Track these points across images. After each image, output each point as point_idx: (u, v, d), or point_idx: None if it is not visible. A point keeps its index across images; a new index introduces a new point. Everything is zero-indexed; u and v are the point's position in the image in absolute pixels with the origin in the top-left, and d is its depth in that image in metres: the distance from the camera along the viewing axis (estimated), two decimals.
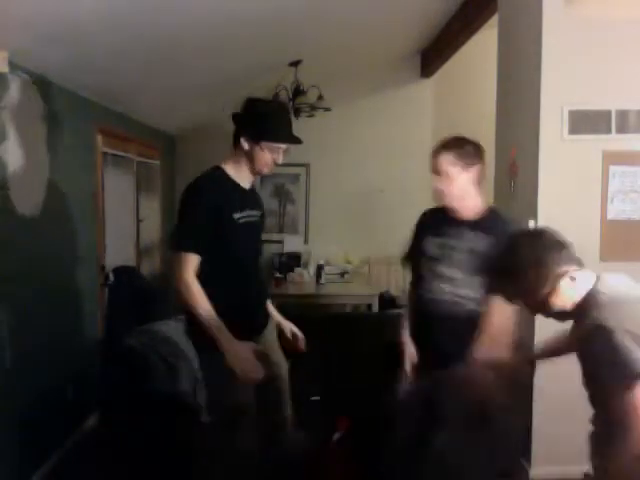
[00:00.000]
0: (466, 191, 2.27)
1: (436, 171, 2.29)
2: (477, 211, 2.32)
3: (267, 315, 2.54)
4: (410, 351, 2.44)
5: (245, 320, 2.31)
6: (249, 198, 2.38)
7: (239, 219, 2.28)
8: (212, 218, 2.19)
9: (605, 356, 1.56)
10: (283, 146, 2.32)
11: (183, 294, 2.17)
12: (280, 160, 2.32)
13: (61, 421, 3.27)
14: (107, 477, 3.07)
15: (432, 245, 2.37)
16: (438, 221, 2.41)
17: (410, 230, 2.55)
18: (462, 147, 2.28)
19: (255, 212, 2.41)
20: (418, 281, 2.43)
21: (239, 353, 2.16)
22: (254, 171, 2.33)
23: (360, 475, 2.93)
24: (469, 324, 2.22)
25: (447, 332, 2.27)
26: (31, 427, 2.93)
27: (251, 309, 2.41)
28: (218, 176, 2.32)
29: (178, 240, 2.24)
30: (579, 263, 1.73)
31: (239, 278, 2.33)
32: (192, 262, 2.17)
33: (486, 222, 2.30)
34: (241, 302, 2.30)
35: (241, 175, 2.34)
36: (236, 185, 2.33)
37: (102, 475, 3.09)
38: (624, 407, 1.53)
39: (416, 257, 2.45)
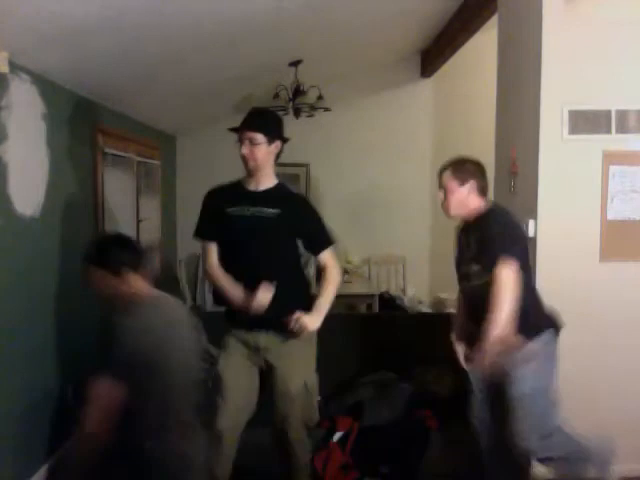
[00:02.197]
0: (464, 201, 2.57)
1: (439, 185, 2.63)
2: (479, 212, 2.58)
3: (277, 319, 2.43)
4: (461, 350, 2.64)
5: (235, 312, 2.49)
6: (256, 197, 2.50)
7: (233, 212, 2.48)
8: (210, 212, 2.56)
9: None
10: (244, 136, 2.45)
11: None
12: (244, 151, 2.44)
13: (61, 421, 3.27)
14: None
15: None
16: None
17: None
18: (462, 165, 2.63)
19: (264, 209, 2.47)
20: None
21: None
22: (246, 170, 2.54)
23: (360, 475, 2.94)
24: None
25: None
26: (31, 428, 2.93)
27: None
28: (229, 183, 2.61)
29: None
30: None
31: (233, 268, 2.50)
32: (207, 247, 2.56)
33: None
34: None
35: (248, 179, 2.55)
36: (240, 187, 2.55)
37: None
38: None
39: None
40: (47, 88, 3.09)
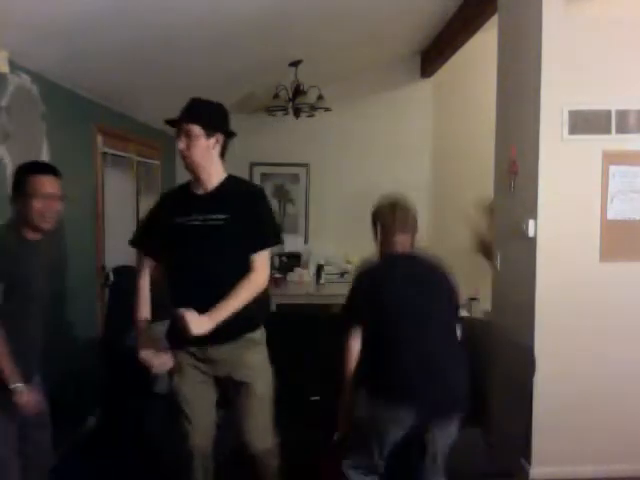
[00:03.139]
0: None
1: None
2: None
3: (225, 333, 2.24)
4: None
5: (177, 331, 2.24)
6: (203, 202, 2.29)
7: (182, 222, 2.27)
8: (155, 222, 2.37)
9: None
10: (181, 129, 2.26)
11: None
12: (180, 146, 2.25)
13: (61, 421, 3.26)
14: (107, 477, 3.08)
15: None
16: None
17: None
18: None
19: (212, 216, 2.25)
20: None
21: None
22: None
23: None
24: None
25: None
26: None
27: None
28: (178, 187, 2.44)
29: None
30: None
31: (183, 283, 2.30)
32: (142, 258, 2.43)
33: None
34: (178, 305, 2.26)
35: (194, 181, 2.32)
36: (188, 191, 2.33)
37: (102, 475, 3.09)
38: None
39: None
40: (47, 88, 3.09)
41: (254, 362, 2.36)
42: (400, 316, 2.33)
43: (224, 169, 2.35)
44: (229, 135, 2.32)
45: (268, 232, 2.34)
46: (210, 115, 2.27)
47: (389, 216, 2.49)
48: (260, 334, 2.42)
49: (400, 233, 2.47)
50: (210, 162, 2.27)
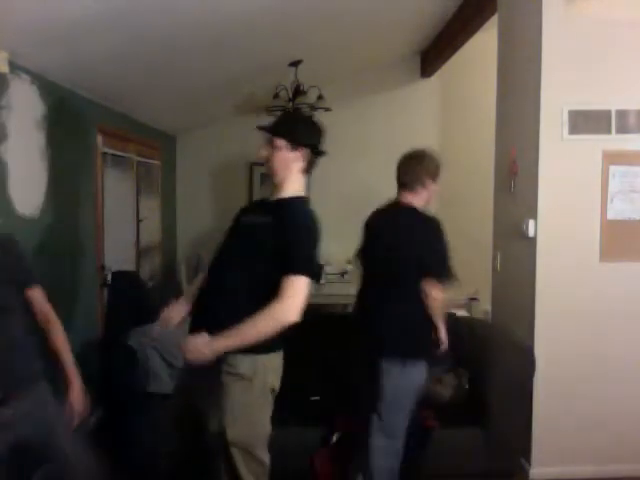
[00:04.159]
0: None
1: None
2: None
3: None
4: None
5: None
6: (260, 207, 2.26)
7: (239, 221, 2.25)
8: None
9: None
10: (266, 138, 2.20)
11: None
12: (261, 153, 2.19)
13: None
14: (107, 477, 3.07)
15: None
16: None
17: None
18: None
19: (253, 217, 2.20)
20: None
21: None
22: None
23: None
24: None
25: None
26: None
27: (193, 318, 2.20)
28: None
29: None
30: None
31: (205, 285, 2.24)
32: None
33: None
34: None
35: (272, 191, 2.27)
36: (264, 198, 2.31)
37: (102, 475, 3.08)
38: None
39: None
40: (47, 88, 3.09)
41: (227, 399, 2.05)
42: (371, 265, 2.76)
43: (303, 188, 2.28)
44: (318, 153, 2.25)
45: (299, 258, 2.05)
46: (299, 129, 2.21)
47: (397, 167, 2.84)
48: (249, 364, 2.04)
49: (399, 184, 2.79)
50: (288, 174, 2.19)
